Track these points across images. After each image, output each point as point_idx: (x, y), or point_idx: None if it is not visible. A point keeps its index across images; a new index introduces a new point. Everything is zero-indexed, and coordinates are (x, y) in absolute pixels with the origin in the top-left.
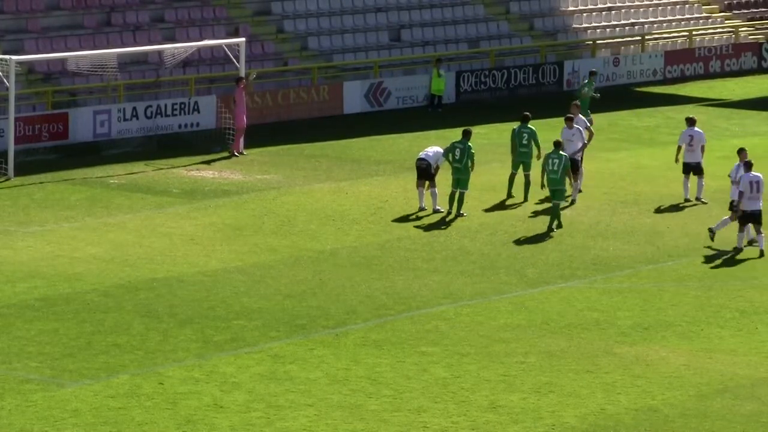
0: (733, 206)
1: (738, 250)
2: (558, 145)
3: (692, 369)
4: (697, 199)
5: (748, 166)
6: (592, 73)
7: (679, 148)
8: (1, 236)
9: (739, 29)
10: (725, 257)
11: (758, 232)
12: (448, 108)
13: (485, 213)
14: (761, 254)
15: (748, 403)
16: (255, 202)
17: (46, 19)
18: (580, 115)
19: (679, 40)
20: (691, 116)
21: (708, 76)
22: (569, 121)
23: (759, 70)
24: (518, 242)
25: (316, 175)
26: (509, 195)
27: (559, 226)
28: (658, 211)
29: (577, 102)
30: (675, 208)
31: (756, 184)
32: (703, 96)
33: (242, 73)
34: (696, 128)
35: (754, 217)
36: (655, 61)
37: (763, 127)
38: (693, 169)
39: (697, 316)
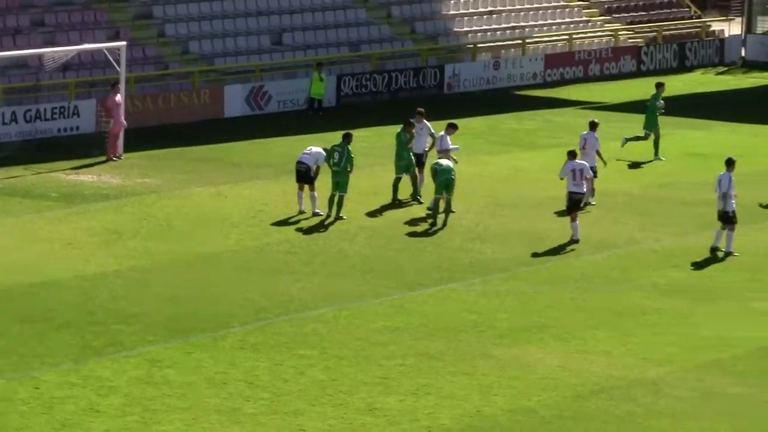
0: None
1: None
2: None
3: (568, 370)
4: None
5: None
6: (659, 85)
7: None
8: None
9: (619, 33)
10: (598, 258)
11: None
12: (328, 111)
13: (364, 216)
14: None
15: (623, 404)
16: (134, 206)
17: None
18: (425, 120)
19: (559, 44)
20: (593, 119)
21: (587, 79)
22: (419, 115)
23: (638, 74)
24: (397, 245)
25: (196, 178)
26: (395, 200)
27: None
28: (537, 213)
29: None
30: (553, 210)
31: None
32: (583, 99)
33: (123, 77)
34: (594, 133)
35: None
36: (535, 65)
37: (641, 130)
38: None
39: (574, 318)
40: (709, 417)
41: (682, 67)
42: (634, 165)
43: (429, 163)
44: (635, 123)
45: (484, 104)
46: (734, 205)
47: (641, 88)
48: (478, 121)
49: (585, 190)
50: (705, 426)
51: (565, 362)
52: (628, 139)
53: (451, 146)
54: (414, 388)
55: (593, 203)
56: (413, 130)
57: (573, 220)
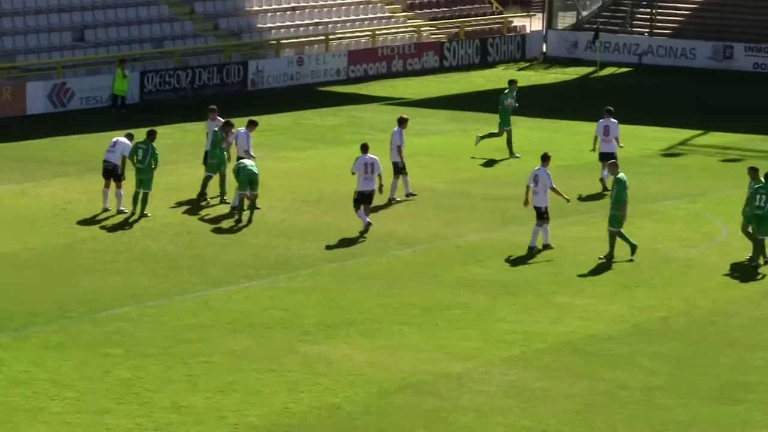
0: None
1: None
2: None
3: (375, 366)
4: (396, 198)
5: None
6: (512, 82)
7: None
8: None
9: (421, 29)
10: (404, 254)
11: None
12: (132, 108)
13: (169, 213)
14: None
15: (429, 399)
16: None
17: None
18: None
19: (362, 40)
20: (402, 116)
21: (391, 75)
22: (212, 112)
23: (441, 70)
24: (202, 242)
25: None
26: (201, 196)
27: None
28: (342, 209)
29: (213, 107)
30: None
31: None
32: (386, 95)
33: None
34: (401, 129)
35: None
36: (338, 61)
37: (444, 125)
38: (399, 168)
39: (380, 314)
40: (513, 411)
41: (484, 63)
42: (439, 160)
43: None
44: (438, 119)
45: (288, 100)
46: (548, 201)
47: (444, 84)
48: (283, 118)
49: (375, 186)
50: (509, 420)
51: (371, 358)
52: (481, 137)
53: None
54: (220, 385)
55: (400, 200)
56: (233, 131)
57: (358, 210)
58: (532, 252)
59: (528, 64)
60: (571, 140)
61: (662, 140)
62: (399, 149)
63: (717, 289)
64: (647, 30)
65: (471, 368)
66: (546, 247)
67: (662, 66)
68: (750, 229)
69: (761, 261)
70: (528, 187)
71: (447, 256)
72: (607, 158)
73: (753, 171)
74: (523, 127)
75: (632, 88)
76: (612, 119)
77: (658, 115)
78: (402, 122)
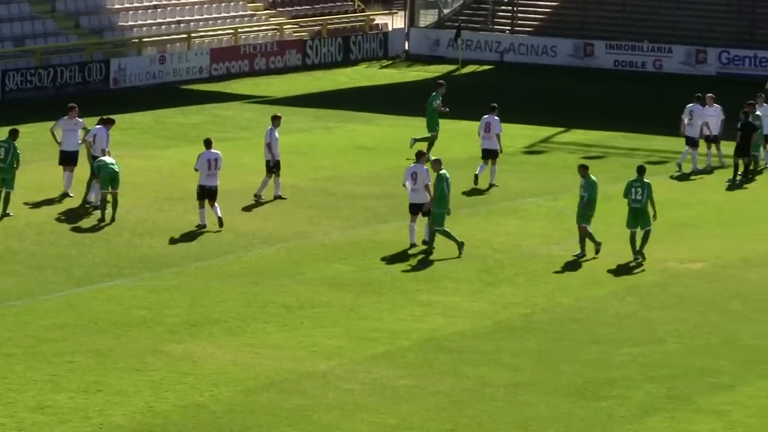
0: None
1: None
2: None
3: (239, 365)
4: (262, 198)
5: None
6: (439, 85)
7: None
8: None
9: (284, 27)
10: (268, 252)
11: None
12: None
13: (32, 212)
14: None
15: (293, 397)
16: None
17: None
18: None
19: (225, 38)
20: (276, 114)
21: (254, 73)
22: (72, 111)
23: (303, 68)
24: (65, 241)
25: None
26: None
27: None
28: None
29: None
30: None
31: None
32: (249, 93)
33: None
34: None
35: None
36: (200, 59)
37: (308, 123)
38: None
39: (244, 312)
40: (377, 409)
41: (347, 61)
42: (302, 158)
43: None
44: (301, 117)
45: (150, 99)
46: (427, 198)
47: (307, 82)
48: (145, 116)
49: (218, 181)
50: (374, 418)
51: (235, 357)
52: (416, 140)
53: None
54: (84, 385)
55: (269, 200)
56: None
57: (201, 207)
58: (412, 248)
59: (390, 62)
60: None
61: (524, 138)
62: (268, 147)
63: (580, 285)
64: (509, 28)
65: (335, 366)
66: (426, 243)
67: (524, 63)
68: (588, 228)
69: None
70: (404, 185)
71: (311, 255)
72: (488, 155)
73: (583, 169)
74: (386, 125)
75: (494, 85)
76: (495, 116)
77: (519, 112)
78: (275, 120)
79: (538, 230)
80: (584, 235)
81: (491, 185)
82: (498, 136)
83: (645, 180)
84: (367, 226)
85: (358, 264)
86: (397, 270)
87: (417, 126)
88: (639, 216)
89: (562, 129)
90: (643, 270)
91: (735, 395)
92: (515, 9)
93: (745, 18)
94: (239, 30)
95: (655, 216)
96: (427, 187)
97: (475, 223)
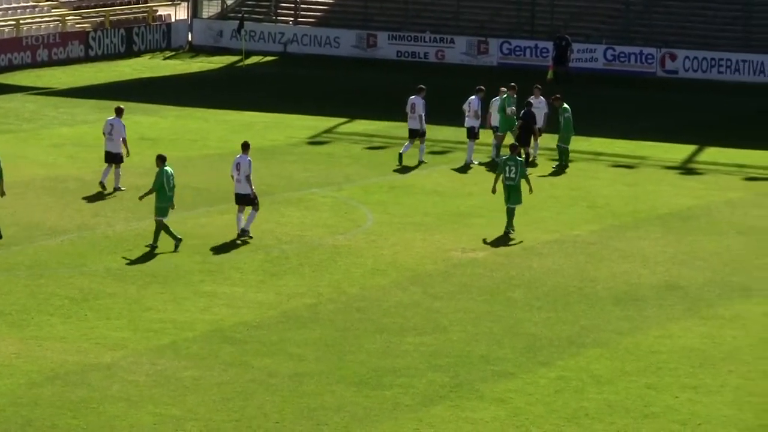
0: None
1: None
2: None
3: (23, 357)
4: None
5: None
6: (512, 88)
7: (120, 139)
8: None
9: (66, 18)
10: (52, 244)
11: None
12: None
13: None
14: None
15: (78, 389)
16: None
17: None
18: None
19: (7, 30)
20: (119, 106)
21: (36, 64)
22: None
23: (86, 59)
24: None
25: None
26: None
27: None
28: None
29: None
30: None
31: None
32: (32, 85)
33: None
34: (119, 118)
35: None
36: None
37: (92, 115)
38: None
39: (28, 305)
40: (163, 400)
41: (131, 52)
42: (86, 150)
43: None
44: (85, 108)
45: None
46: (251, 188)
47: (90, 73)
48: None
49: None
50: (160, 410)
51: (19, 349)
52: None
53: None
54: None
55: (123, 189)
56: None
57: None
58: (241, 236)
59: (174, 53)
60: (219, 129)
61: (308, 128)
62: (124, 140)
63: (365, 275)
64: (292, 19)
65: (120, 358)
66: (243, 233)
67: (307, 54)
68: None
69: (511, 228)
70: (232, 176)
71: (95, 246)
72: (414, 134)
73: (160, 159)
74: (171, 117)
75: (278, 76)
76: (421, 97)
77: (303, 103)
78: (118, 112)
79: (322, 221)
80: (160, 228)
81: (420, 162)
82: (421, 117)
83: (517, 158)
84: (152, 217)
85: (143, 255)
86: (181, 261)
87: (201, 117)
88: (513, 192)
89: (346, 119)
90: (426, 259)
91: (517, 382)
92: (298, 0)
93: (525, 9)
94: (21, 21)
95: (530, 190)
96: (248, 178)
97: (260, 213)
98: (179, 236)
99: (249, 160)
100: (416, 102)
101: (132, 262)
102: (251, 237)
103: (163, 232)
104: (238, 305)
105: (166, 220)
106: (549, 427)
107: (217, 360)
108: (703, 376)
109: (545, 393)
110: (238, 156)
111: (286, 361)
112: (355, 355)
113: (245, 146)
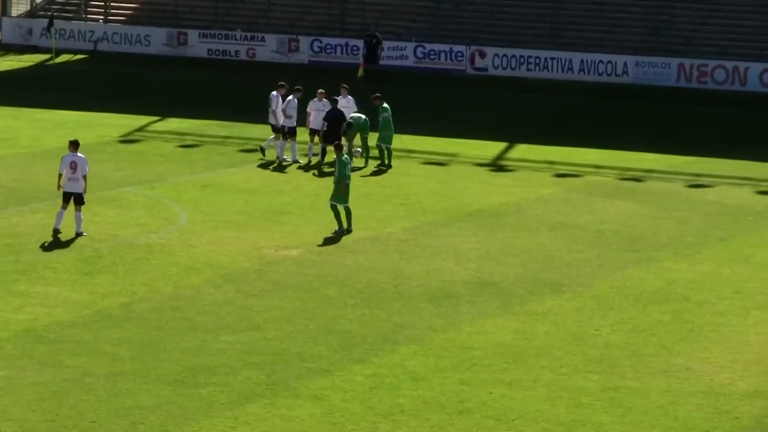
0: None
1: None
2: None
3: None
4: None
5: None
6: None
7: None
8: None
9: None
10: None
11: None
12: None
13: None
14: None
15: None
16: None
17: None
18: None
19: None
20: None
21: None
22: None
23: None
24: None
25: None
26: None
27: None
28: None
29: None
30: None
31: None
32: None
33: None
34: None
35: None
36: None
37: None
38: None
39: None
40: None
41: None
42: None
43: None
44: None
45: None
46: (83, 187)
47: None
48: None
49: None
50: None
51: None
52: None
53: None
54: None
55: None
56: None
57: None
58: (57, 236)
59: None
60: (30, 127)
61: (120, 127)
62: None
63: (179, 273)
64: (102, 17)
65: None
66: (79, 235)
67: (118, 53)
68: None
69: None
70: (61, 174)
71: None
72: (290, 132)
73: None
74: None
75: (88, 75)
76: (277, 93)
77: (114, 102)
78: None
79: (136, 219)
80: None
81: (294, 161)
82: (284, 112)
83: (344, 157)
84: None
85: None
86: None
87: (10, 116)
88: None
89: (158, 118)
90: (240, 257)
91: (333, 380)
92: None
93: (336, 7)
94: None
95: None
96: (84, 177)
97: (72, 212)
98: None
99: (85, 159)
100: (273, 97)
101: None
102: (86, 234)
103: None
104: (52, 304)
105: None
106: (365, 424)
107: (31, 360)
108: (517, 371)
109: (361, 390)
110: (68, 154)
111: (101, 360)
112: (170, 354)
113: (75, 144)
